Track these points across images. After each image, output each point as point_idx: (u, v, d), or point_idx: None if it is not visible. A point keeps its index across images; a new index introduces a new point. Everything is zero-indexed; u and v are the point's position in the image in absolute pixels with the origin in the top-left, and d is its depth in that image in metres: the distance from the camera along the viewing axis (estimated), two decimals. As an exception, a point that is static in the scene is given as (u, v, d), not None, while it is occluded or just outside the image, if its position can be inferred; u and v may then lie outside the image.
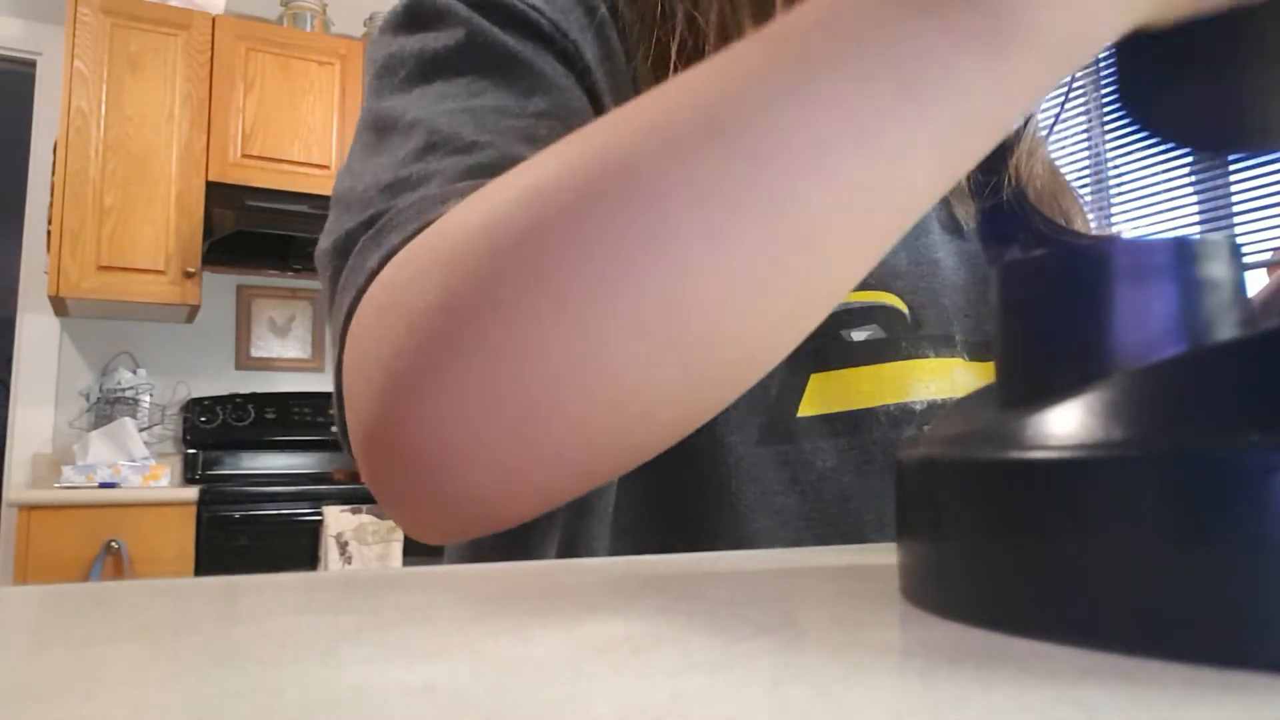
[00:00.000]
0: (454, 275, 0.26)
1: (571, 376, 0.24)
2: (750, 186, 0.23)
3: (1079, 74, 0.41)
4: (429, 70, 0.41)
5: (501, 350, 0.25)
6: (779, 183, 0.22)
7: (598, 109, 0.42)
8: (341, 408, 0.33)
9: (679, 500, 0.43)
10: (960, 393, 0.45)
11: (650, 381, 0.24)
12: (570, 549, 0.45)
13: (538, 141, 0.36)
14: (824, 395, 0.43)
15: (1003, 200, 0.51)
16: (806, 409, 0.43)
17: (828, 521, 0.42)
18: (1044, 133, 0.55)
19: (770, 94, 0.23)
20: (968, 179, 0.53)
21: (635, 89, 0.43)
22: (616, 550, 0.43)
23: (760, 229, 0.23)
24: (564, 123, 0.38)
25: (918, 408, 0.44)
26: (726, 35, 0.42)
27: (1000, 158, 0.52)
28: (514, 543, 0.46)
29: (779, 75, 0.23)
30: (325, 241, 0.37)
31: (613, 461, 0.27)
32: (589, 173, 0.25)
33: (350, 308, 0.32)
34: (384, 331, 0.28)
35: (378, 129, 0.40)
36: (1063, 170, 0.57)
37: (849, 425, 0.43)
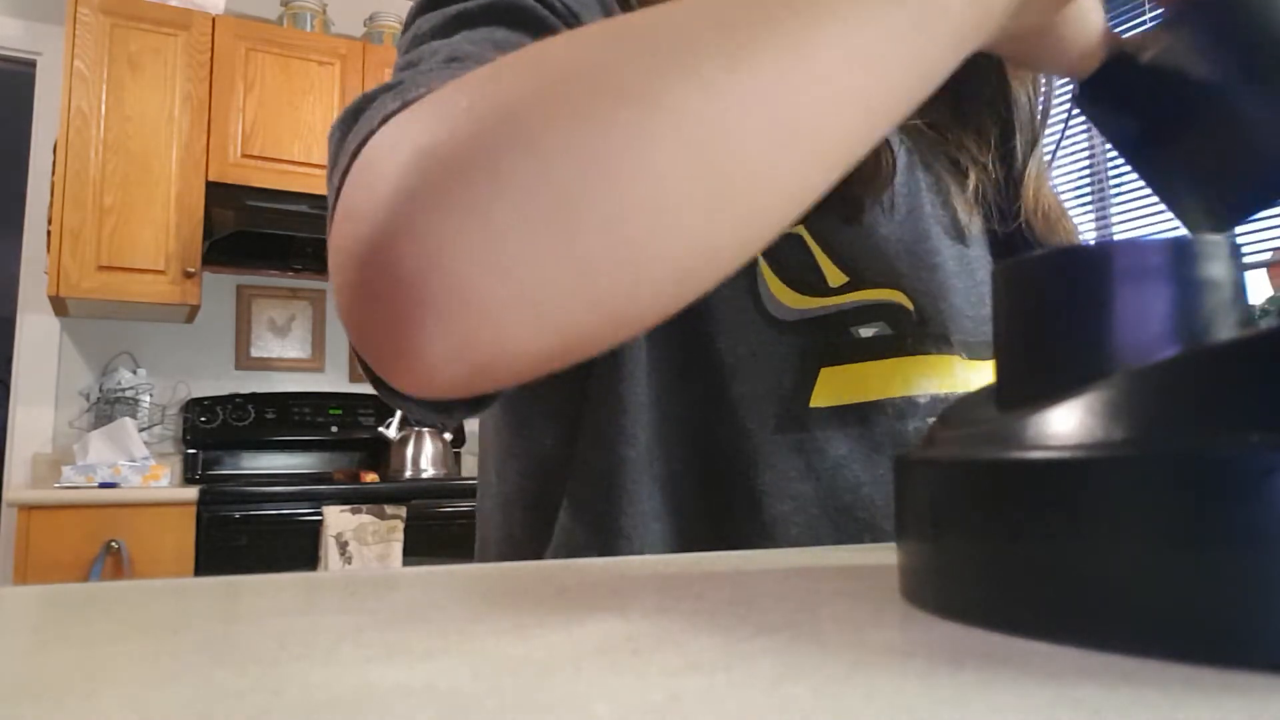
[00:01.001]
0: (482, 98, 0.26)
1: (603, 172, 0.24)
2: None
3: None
4: (453, 25, 0.40)
5: (536, 149, 0.24)
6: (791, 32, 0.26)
7: None
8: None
9: (703, 487, 0.45)
10: (960, 388, 0.47)
11: (677, 182, 0.25)
12: (601, 532, 0.46)
13: None
14: (834, 388, 0.46)
15: (1018, 226, 0.53)
16: (818, 400, 0.45)
17: (842, 508, 0.44)
18: (1048, 158, 0.56)
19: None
20: (985, 201, 0.54)
21: None
22: (645, 535, 0.45)
23: (769, 69, 0.25)
24: None
25: (921, 401, 0.46)
26: None
27: (1015, 184, 0.54)
28: (544, 525, 0.48)
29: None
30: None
31: (639, 287, 0.26)
32: (602, 36, 0.27)
33: (364, 139, 0.29)
34: (403, 146, 0.27)
35: (399, 68, 0.39)
36: (1063, 174, 0.59)
37: (858, 416, 0.45)
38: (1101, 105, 0.43)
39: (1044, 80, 0.55)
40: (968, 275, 0.51)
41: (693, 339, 0.45)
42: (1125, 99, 0.41)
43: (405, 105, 0.29)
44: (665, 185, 0.25)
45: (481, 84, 0.27)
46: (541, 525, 0.48)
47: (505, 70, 0.27)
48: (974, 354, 0.49)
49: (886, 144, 0.47)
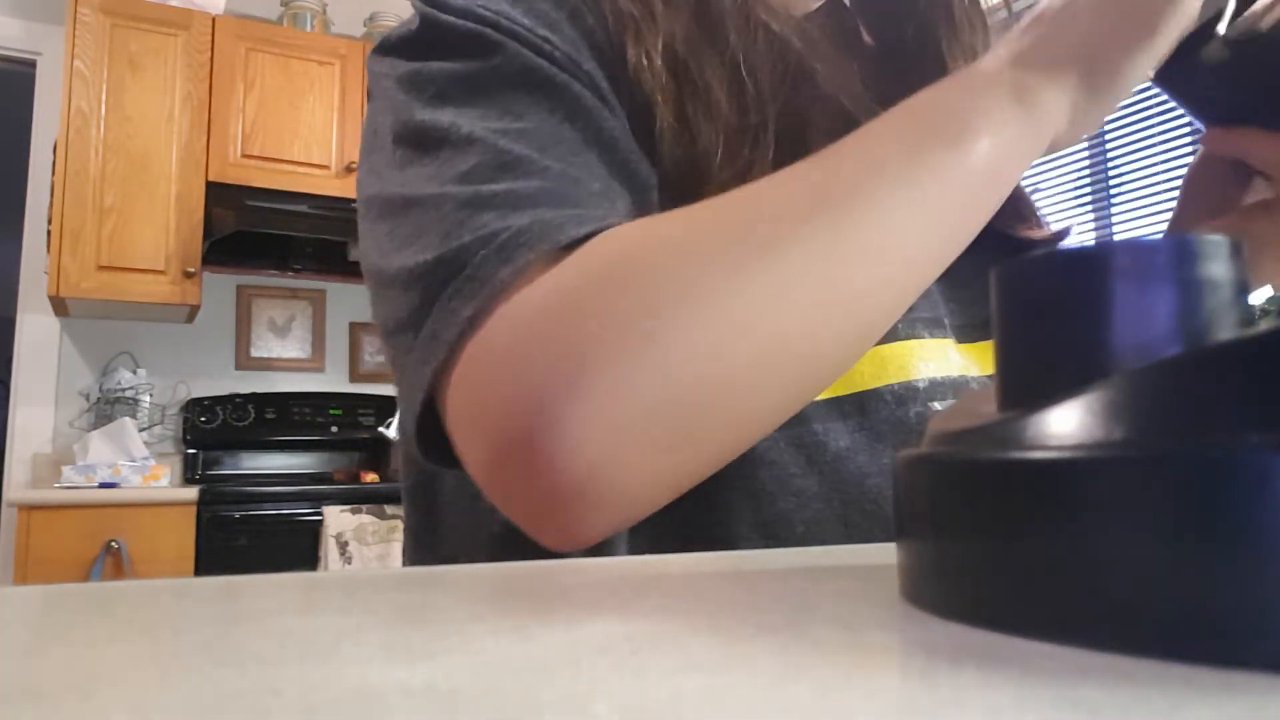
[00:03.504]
0: (592, 300, 0.32)
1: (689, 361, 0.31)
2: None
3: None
4: (464, 89, 0.41)
5: (654, 350, 0.31)
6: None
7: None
8: (416, 430, 0.37)
9: (700, 489, 0.44)
10: (956, 372, 0.47)
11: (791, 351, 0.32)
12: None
13: (591, 166, 0.40)
14: None
15: None
16: None
17: (849, 501, 0.44)
18: None
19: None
20: None
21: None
22: (642, 536, 0.44)
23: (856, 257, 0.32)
24: (606, 147, 0.41)
25: (921, 385, 0.45)
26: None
27: None
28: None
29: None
30: (399, 260, 0.38)
31: (724, 438, 0.34)
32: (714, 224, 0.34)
33: (463, 329, 0.34)
34: (522, 354, 0.32)
35: (418, 143, 0.40)
36: (1064, 174, 0.59)
37: (856, 407, 0.45)
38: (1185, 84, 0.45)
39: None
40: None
41: None
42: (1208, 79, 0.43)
43: (504, 287, 0.34)
44: (744, 369, 0.32)
45: (588, 289, 0.33)
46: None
47: (599, 279, 0.33)
48: (965, 337, 0.49)
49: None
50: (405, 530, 0.55)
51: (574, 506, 0.32)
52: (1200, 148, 0.50)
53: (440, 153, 0.39)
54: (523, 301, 0.33)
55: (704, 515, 0.44)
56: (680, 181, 0.43)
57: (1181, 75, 0.44)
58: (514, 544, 0.37)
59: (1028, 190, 0.58)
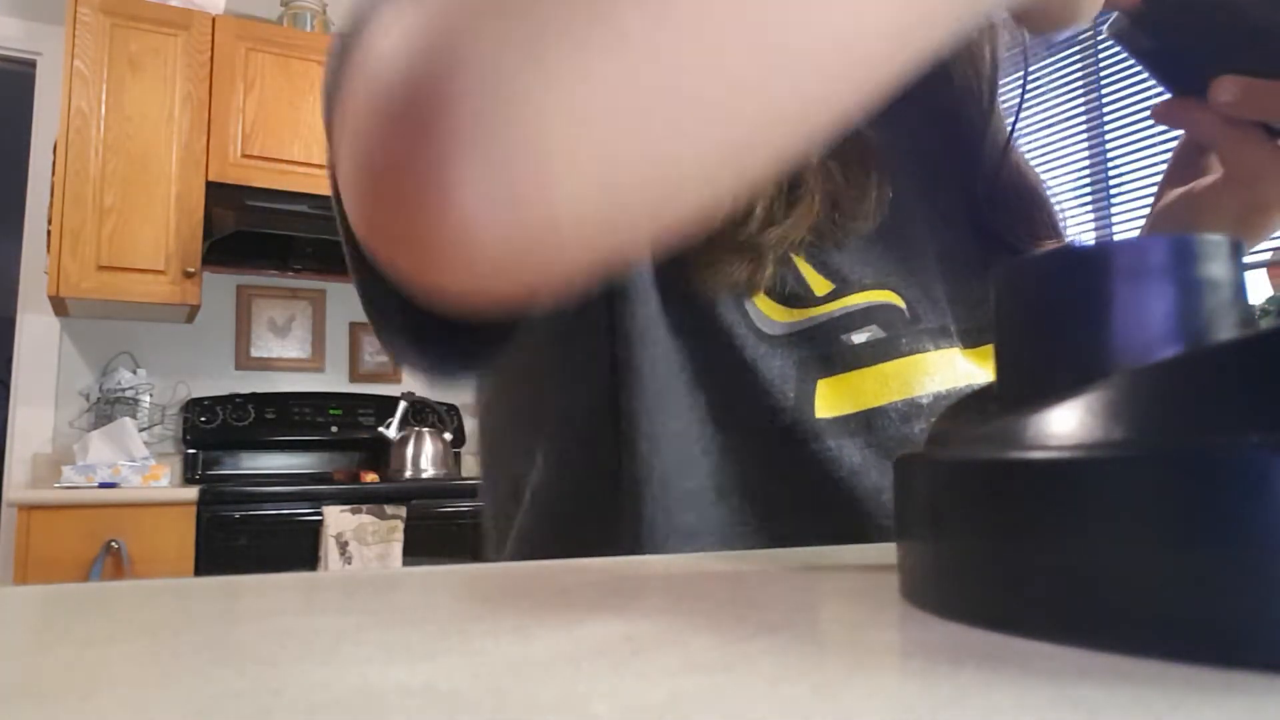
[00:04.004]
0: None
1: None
2: None
3: (1077, 71, 0.43)
4: None
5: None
6: None
7: None
8: (331, 109, 0.30)
9: (714, 504, 0.44)
10: (964, 382, 0.47)
11: (725, 19, 0.22)
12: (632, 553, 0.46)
13: None
14: (833, 399, 0.45)
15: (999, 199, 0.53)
16: (822, 412, 0.45)
17: (865, 515, 0.44)
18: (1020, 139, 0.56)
19: None
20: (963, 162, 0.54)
21: None
22: (650, 551, 0.44)
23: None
24: None
25: (924, 401, 0.45)
26: None
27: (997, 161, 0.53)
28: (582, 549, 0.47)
29: None
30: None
31: (684, 129, 0.23)
32: None
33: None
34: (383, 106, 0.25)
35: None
36: (1064, 174, 0.59)
37: (862, 425, 0.45)
38: (1147, 39, 0.44)
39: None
40: (952, 259, 0.50)
41: (697, 355, 0.45)
42: (1169, 31, 0.42)
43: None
44: (714, 19, 0.23)
45: None
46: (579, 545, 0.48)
47: None
48: (971, 342, 0.48)
49: (880, 179, 0.46)
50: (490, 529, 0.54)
51: (454, 149, 0.23)
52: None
53: None
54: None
55: (716, 533, 0.44)
56: None
57: (1145, 42, 0.44)
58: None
59: (1051, 197, 0.58)
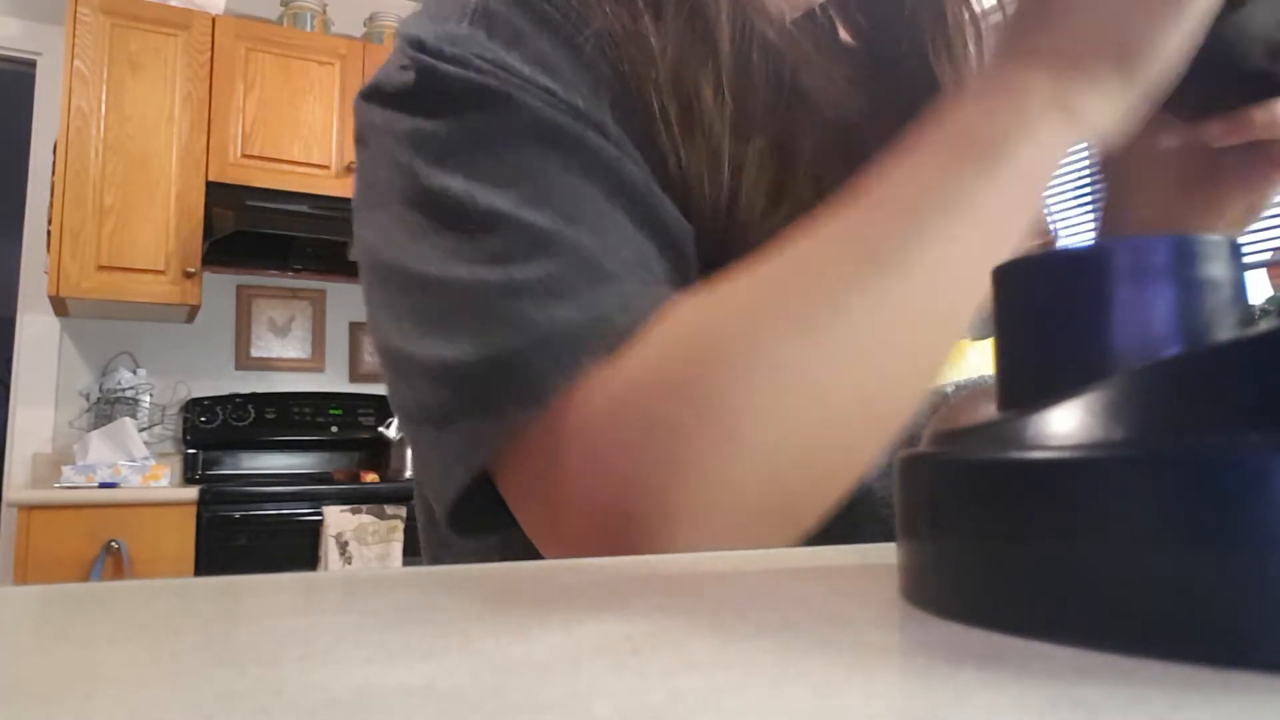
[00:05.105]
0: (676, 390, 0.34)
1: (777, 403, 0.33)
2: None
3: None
4: (472, 148, 0.39)
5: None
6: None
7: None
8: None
9: None
10: (975, 372, 0.47)
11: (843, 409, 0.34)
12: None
13: (620, 226, 0.39)
14: None
15: None
16: None
17: (881, 520, 0.44)
18: None
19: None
20: None
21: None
22: None
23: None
24: (629, 198, 0.39)
25: (948, 390, 0.46)
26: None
27: None
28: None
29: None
30: (428, 349, 0.37)
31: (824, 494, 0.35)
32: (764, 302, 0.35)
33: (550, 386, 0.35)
34: (612, 442, 0.34)
35: (433, 212, 0.38)
36: (1063, 173, 0.59)
37: None
38: None
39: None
40: None
41: None
42: None
43: (573, 375, 0.35)
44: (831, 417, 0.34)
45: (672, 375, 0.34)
46: None
47: (683, 347, 0.35)
48: (979, 333, 0.48)
49: None
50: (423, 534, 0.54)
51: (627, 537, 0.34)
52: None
53: (460, 226, 0.37)
54: (595, 394, 0.34)
55: None
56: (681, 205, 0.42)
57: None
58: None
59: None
